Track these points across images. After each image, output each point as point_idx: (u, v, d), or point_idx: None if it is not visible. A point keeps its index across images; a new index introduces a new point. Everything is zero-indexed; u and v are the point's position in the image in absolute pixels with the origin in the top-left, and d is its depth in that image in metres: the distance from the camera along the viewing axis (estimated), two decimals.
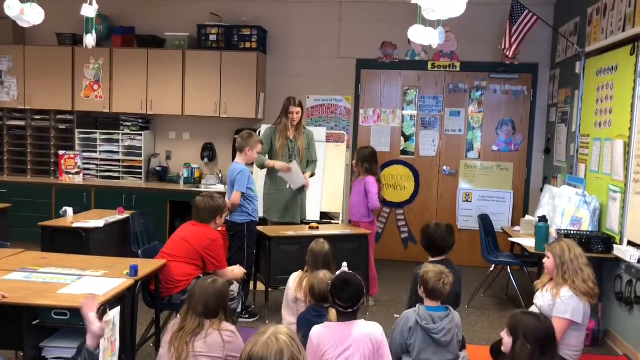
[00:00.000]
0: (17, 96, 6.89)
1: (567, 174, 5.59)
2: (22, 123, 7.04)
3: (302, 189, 5.24)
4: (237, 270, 4.12)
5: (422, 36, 4.09)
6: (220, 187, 6.49)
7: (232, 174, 4.69)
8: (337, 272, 2.89)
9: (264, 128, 5.76)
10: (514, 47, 5.72)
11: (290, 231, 4.88)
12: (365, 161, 5.16)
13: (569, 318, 3.17)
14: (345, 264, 3.00)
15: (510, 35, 5.73)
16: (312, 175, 5.34)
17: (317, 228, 5.01)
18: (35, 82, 6.85)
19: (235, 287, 3.95)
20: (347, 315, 2.68)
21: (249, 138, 4.71)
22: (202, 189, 6.55)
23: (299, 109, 5.17)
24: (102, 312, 2.77)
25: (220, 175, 6.93)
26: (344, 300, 2.66)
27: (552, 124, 6.40)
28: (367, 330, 2.65)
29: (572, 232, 4.48)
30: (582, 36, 5.50)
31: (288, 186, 5.18)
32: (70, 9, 5.41)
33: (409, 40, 4.35)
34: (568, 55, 5.89)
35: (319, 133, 5.94)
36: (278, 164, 5.06)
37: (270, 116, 6.21)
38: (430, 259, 3.58)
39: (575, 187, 5.10)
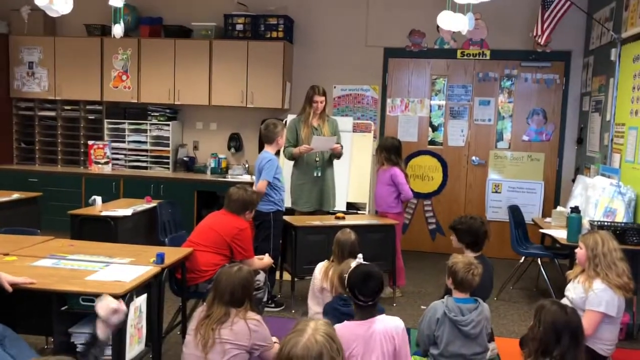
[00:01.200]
0: (48, 87, 7.00)
1: (601, 164, 5.47)
2: (52, 114, 7.15)
3: (333, 157, 5.22)
4: (266, 260, 4.14)
5: (452, 22, 4.03)
6: (246, 178, 6.52)
7: (260, 163, 4.70)
8: (352, 264, 2.81)
9: (289, 118, 5.76)
10: (546, 34, 5.60)
11: (316, 221, 4.88)
12: (385, 150, 5.14)
13: (602, 311, 3.10)
14: (360, 255, 2.93)
15: (542, 22, 5.61)
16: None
17: (344, 218, 5.01)
18: (65, 72, 6.95)
19: (261, 277, 3.96)
20: (368, 309, 2.60)
21: (276, 128, 4.74)
22: (229, 179, 6.63)
23: (322, 98, 5.18)
24: (129, 298, 2.80)
25: (247, 166, 6.95)
26: (366, 294, 2.58)
27: (585, 113, 6.28)
28: (389, 326, 2.58)
29: (606, 223, 4.38)
30: (618, 22, 5.35)
31: (316, 174, 5.16)
32: None
33: (437, 28, 4.32)
34: (603, 42, 5.75)
35: (345, 123, 5.93)
36: (302, 148, 5.06)
37: (297, 106, 6.21)
38: (470, 254, 3.49)
39: (609, 177, 4.98)
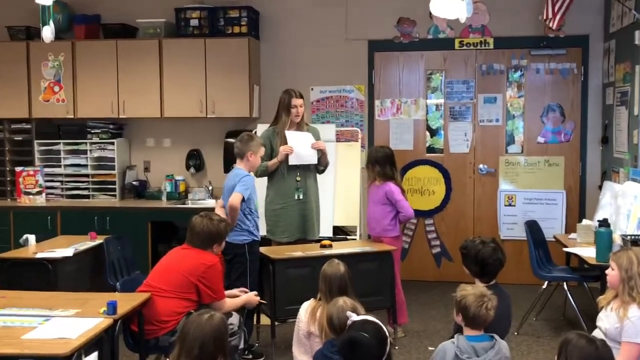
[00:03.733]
0: None
1: (631, 167, 5.55)
2: None
3: (318, 163, 5.29)
4: (245, 297, 4.20)
5: (447, 8, 4.11)
6: (210, 203, 6.50)
7: (233, 180, 4.69)
8: (347, 326, 2.78)
9: (260, 128, 5.77)
10: (557, 16, 5.69)
11: (297, 251, 4.87)
12: (377, 163, 5.19)
13: None
14: (352, 314, 2.94)
15: (552, 3, 5.70)
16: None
17: (330, 246, 5.00)
18: None
19: (235, 319, 3.97)
20: None
21: (250, 141, 4.78)
22: (190, 206, 6.63)
23: (301, 101, 5.24)
24: (76, 358, 2.78)
25: (210, 189, 6.93)
26: None
27: (610, 107, 6.37)
28: None
29: None
30: None
31: (297, 196, 5.20)
32: None
33: (430, 14, 4.35)
34: (624, 23, 5.87)
35: (326, 131, 5.93)
36: (280, 153, 5.10)
37: (268, 114, 6.23)
38: (481, 285, 3.50)
39: None
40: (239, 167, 4.77)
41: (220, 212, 4.65)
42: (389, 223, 5.18)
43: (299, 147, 5.17)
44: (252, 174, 4.86)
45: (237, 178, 4.66)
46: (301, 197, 5.23)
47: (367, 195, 5.40)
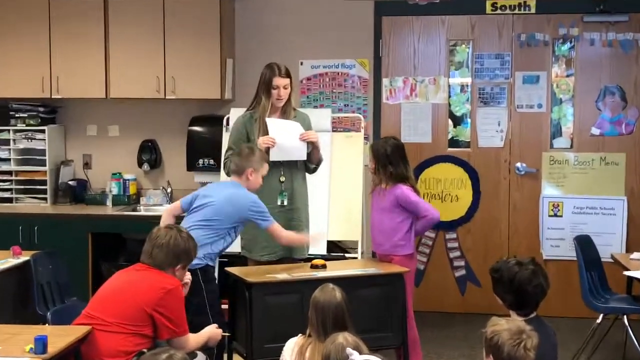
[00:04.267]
0: None
1: None
2: None
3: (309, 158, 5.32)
4: (214, 332, 4.18)
5: None
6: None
7: (236, 204, 4.78)
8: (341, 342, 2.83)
9: (234, 114, 5.72)
10: None
11: (282, 273, 4.85)
12: (389, 162, 5.18)
13: None
14: (354, 353, 2.91)
15: None
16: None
17: (324, 267, 4.97)
18: None
19: (201, 359, 3.97)
20: None
21: (251, 155, 4.86)
22: (142, 213, 6.60)
23: (286, 81, 5.22)
24: None
25: (169, 191, 6.90)
26: None
27: None
28: None
29: None
30: None
31: (280, 202, 5.20)
32: None
33: None
34: None
35: (320, 118, 5.88)
36: (260, 143, 5.11)
37: (244, 96, 6.18)
38: (518, 318, 3.49)
39: None
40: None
41: (170, 221, 4.72)
42: (401, 237, 5.15)
43: (283, 138, 5.15)
44: None
45: (246, 203, 4.76)
46: (285, 202, 5.21)
47: (371, 202, 5.38)
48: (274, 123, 5.18)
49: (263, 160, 4.88)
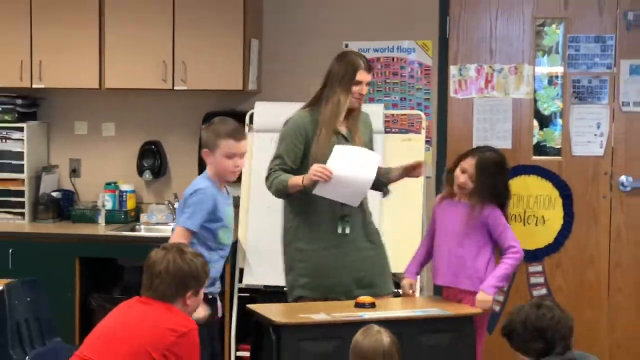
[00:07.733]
0: None
1: None
2: None
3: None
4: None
5: None
6: None
7: (184, 197, 4.60)
8: None
9: (260, 111, 5.77)
10: None
11: (319, 313, 4.52)
12: (499, 175, 4.89)
13: None
14: None
15: None
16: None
17: (373, 306, 4.67)
18: None
19: None
20: None
21: (221, 126, 4.62)
22: (143, 233, 6.39)
23: (370, 77, 4.99)
24: None
25: (176, 206, 6.53)
26: None
27: None
28: None
29: None
30: None
31: (341, 229, 4.87)
32: None
33: None
34: None
35: (370, 114, 5.60)
36: (310, 174, 4.72)
37: (273, 85, 6.18)
38: None
39: None
40: (205, 175, 4.68)
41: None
42: (482, 268, 4.77)
43: (345, 177, 4.75)
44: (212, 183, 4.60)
45: (186, 193, 4.56)
46: (347, 230, 4.90)
47: (437, 219, 4.94)
48: (341, 152, 4.79)
49: (227, 134, 4.57)
